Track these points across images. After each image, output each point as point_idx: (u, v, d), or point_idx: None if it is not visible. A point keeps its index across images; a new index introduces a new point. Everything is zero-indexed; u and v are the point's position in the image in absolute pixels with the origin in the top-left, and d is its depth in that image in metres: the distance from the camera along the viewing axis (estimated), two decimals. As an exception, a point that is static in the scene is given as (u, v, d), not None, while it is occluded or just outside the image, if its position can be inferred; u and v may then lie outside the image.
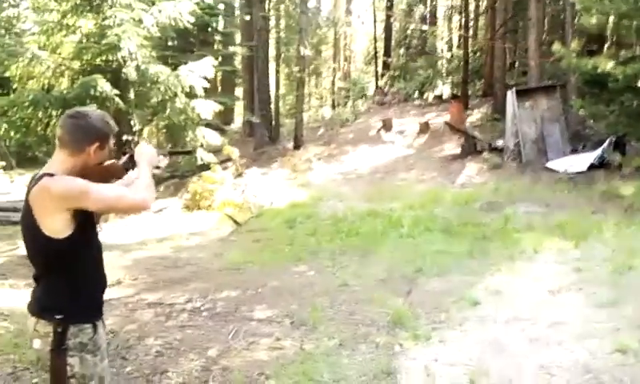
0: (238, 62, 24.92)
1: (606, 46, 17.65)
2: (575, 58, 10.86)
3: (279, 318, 5.19)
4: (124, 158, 2.65)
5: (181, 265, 7.75)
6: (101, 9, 11.62)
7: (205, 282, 6.67)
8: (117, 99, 10.96)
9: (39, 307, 2.31)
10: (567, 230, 7.49)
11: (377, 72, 28.71)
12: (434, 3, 30.19)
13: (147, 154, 2.56)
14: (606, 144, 11.85)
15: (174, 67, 12.92)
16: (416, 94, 24.78)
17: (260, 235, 9.46)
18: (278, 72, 25.50)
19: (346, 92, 29.01)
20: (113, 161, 2.59)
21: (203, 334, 4.93)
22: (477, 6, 26.33)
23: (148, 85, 12.29)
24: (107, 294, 6.18)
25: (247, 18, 21.35)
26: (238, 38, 23.97)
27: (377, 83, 28.01)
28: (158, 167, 2.88)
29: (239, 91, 27.54)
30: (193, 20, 12.86)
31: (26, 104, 10.92)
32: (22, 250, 2.73)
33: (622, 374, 3.64)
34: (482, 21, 26.00)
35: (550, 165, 12.59)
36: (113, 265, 7.76)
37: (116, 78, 11.63)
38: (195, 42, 18.50)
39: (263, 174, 16.01)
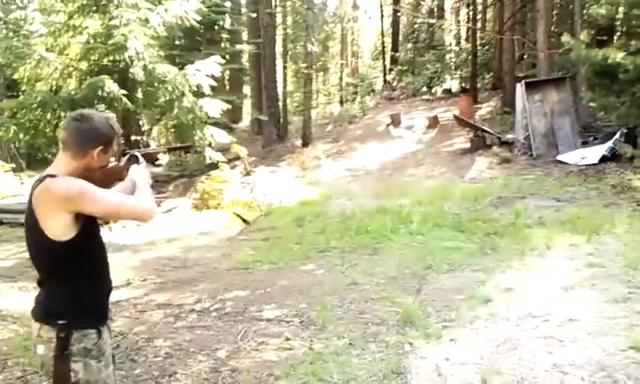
0: (245, 60, 24.93)
1: (615, 36, 17.49)
2: (585, 49, 10.71)
3: (288, 318, 5.16)
4: (124, 159, 2.62)
5: (190, 265, 7.75)
6: (107, 9, 11.67)
7: (214, 282, 6.66)
8: (124, 99, 10.98)
9: (42, 312, 2.29)
10: (579, 225, 7.38)
11: (385, 67, 28.60)
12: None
13: (142, 175, 2.54)
14: (617, 136, 11.72)
15: (181, 66, 12.94)
16: (424, 89, 24.67)
17: (269, 234, 9.43)
18: (285, 69, 25.48)
19: (353, 88, 28.94)
20: (115, 163, 2.56)
21: (212, 335, 4.91)
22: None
23: (155, 84, 12.32)
24: (116, 295, 6.25)
25: (254, 15, 21.33)
26: (245, 35, 23.97)
27: (385, 78, 27.89)
28: (159, 165, 2.86)
29: (247, 89, 27.53)
30: (199, 18, 12.87)
31: (35, 106, 10.99)
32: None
33: (636, 372, 3.57)
34: (489, 13, 25.82)
35: (560, 158, 12.47)
36: (122, 265, 7.80)
37: (123, 78, 11.68)
38: (202, 40, 18.51)
39: (272, 172, 16.00)
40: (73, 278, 2.26)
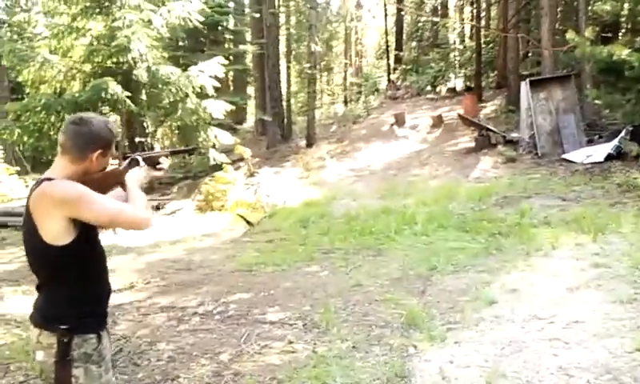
0: (249, 61, 24.91)
1: (621, 32, 17.39)
2: (589, 46, 10.62)
3: (292, 321, 5.13)
4: (125, 163, 2.60)
5: (193, 267, 7.74)
6: (110, 11, 11.66)
7: (217, 284, 6.64)
8: (128, 101, 10.98)
9: (42, 318, 2.27)
10: (584, 224, 7.32)
11: (389, 66, 28.53)
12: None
13: (136, 177, 2.50)
14: (622, 134, 11.64)
15: (185, 67, 12.95)
16: (428, 88, 24.60)
17: (273, 235, 9.41)
18: (289, 69, 25.45)
19: (357, 87, 28.87)
20: (114, 167, 2.54)
21: (215, 338, 4.89)
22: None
23: (159, 86, 12.34)
24: (120, 298, 6.24)
25: (257, 15, 21.32)
26: (248, 36, 23.95)
27: (389, 77, 27.83)
28: (161, 168, 2.84)
29: (251, 90, 27.52)
30: (202, 19, 12.86)
31: (39, 108, 11.02)
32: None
33: (643, 375, 3.53)
34: (494, 11, 25.72)
35: (565, 156, 12.39)
36: (126, 268, 7.80)
37: (127, 79, 11.69)
38: (206, 41, 18.50)
39: (276, 172, 15.98)
40: (71, 282, 2.24)
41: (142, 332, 5.17)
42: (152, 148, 14.60)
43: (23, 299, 6.20)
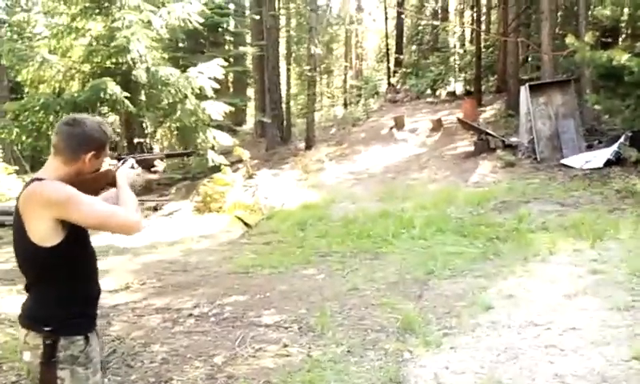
0: (249, 62, 24.89)
1: (621, 37, 17.38)
2: (589, 51, 10.60)
3: (287, 324, 5.11)
4: (119, 164, 2.57)
5: (190, 269, 7.71)
6: (110, 11, 11.64)
7: (213, 286, 6.62)
8: (127, 102, 10.96)
9: (29, 318, 2.24)
10: (582, 230, 7.30)
11: (389, 69, 28.53)
12: (446, -2, 29.94)
13: (127, 175, 2.46)
14: (621, 139, 11.61)
15: (185, 69, 12.93)
16: (428, 91, 24.58)
17: (270, 237, 9.39)
18: (289, 71, 25.42)
19: (357, 90, 28.86)
20: (108, 168, 2.51)
21: (210, 341, 4.87)
22: (489, 0, 26.05)
23: (158, 87, 12.30)
24: (115, 299, 6.21)
25: (257, 17, 21.32)
26: (249, 38, 23.94)
27: (389, 81, 27.82)
28: (155, 171, 2.80)
29: (251, 92, 27.51)
30: (202, 21, 12.84)
31: (37, 108, 10.99)
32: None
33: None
34: (494, 15, 25.72)
35: (565, 161, 12.36)
36: (122, 269, 7.78)
37: (126, 80, 11.68)
38: (206, 42, 18.49)
39: (274, 175, 15.94)
40: (59, 283, 2.22)
41: (136, 333, 5.15)
42: (151, 149, 14.57)
43: (18, 298, 6.14)
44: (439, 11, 29.79)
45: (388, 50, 29.44)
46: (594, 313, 4.68)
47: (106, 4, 11.60)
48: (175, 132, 15.25)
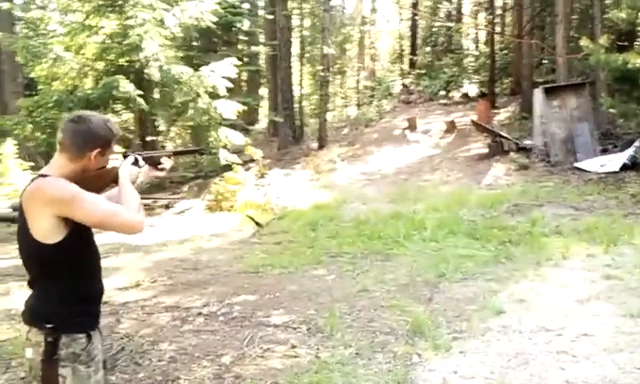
0: (262, 62, 24.91)
1: (636, 41, 17.15)
2: (604, 54, 10.49)
3: (296, 324, 5.08)
4: (125, 161, 2.55)
5: (200, 267, 7.70)
6: (123, 9, 11.68)
7: (223, 285, 6.60)
8: (139, 100, 10.99)
9: (31, 315, 2.24)
10: (596, 235, 7.21)
11: (402, 70, 28.41)
12: (460, 0, 29.76)
13: (130, 171, 2.44)
14: (636, 143, 11.48)
15: (197, 67, 12.95)
16: (442, 93, 24.45)
17: (281, 237, 9.36)
18: (302, 71, 25.41)
19: (371, 91, 28.77)
20: (113, 165, 2.50)
21: (218, 340, 4.85)
22: (504, 2, 25.88)
23: (172, 85, 12.33)
24: (125, 297, 6.22)
25: (270, 17, 21.32)
26: (262, 37, 23.96)
27: (403, 82, 27.71)
28: (162, 169, 2.78)
29: (264, 91, 27.53)
30: (215, 20, 12.85)
31: (51, 105, 11.05)
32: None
33: (653, 391, 3.44)
34: (508, 17, 25.54)
35: (579, 165, 12.25)
36: (134, 266, 7.79)
37: (139, 78, 11.70)
38: (219, 41, 18.52)
39: (286, 174, 15.95)
40: (62, 280, 2.21)
41: (145, 331, 5.15)
42: (163, 147, 14.62)
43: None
44: (453, 13, 29.63)
45: (402, 51, 29.34)
46: (607, 319, 4.61)
47: (120, 2, 11.64)
48: (188, 130, 15.30)
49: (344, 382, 3.86)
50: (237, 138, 14.03)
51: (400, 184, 13.80)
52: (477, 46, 28.55)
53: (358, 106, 28.80)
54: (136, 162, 2.53)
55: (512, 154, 14.12)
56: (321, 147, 19.51)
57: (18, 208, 2.21)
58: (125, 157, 2.58)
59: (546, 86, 14.09)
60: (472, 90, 24.18)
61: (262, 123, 26.64)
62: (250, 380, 3.99)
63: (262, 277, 6.90)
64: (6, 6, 14.68)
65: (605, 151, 12.76)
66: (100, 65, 12.19)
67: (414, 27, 29.53)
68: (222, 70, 12.48)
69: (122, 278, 6.94)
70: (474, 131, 17.15)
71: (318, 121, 21.41)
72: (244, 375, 4.10)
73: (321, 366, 4.12)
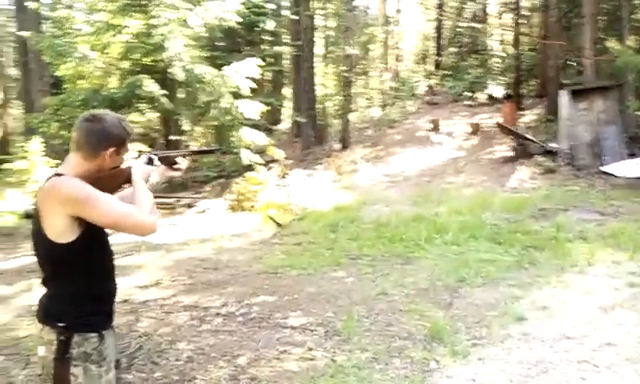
0: (287, 62, 24.95)
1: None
2: (632, 56, 10.29)
3: (313, 327, 5.05)
4: (138, 160, 2.55)
5: (220, 267, 7.71)
6: (147, 9, 11.78)
7: (242, 285, 6.61)
8: (163, 99, 11.07)
9: (44, 313, 2.26)
10: (622, 241, 7.06)
11: (427, 71, 28.22)
12: (486, 1, 29.44)
13: (144, 171, 2.44)
14: (666, 148, 11.25)
15: (221, 67, 13.01)
16: (466, 94, 24.22)
17: (301, 238, 9.33)
18: (325, 72, 25.38)
19: (395, 92, 28.61)
20: (128, 165, 2.50)
21: (235, 341, 4.85)
22: (531, 3, 25.50)
23: (196, 85, 12.40)
24: (145, 295, 6.25)
25: (295, 17, 21.33)
26: (287, 37, 23.98)
27: (427, 83, 27.52)
28: (177, 168, 2.78)
29: (288, 91, 27.56)
30: (239, 19, 12.90)
31: (76, 103, 11.19)
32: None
33: (678, 404, 3.34)
34: (535, 18, 25.18)
35: (605, 169, 12.02)
36: (154, 265, 7.84)
37: (163, 78, 11.79)
38: (242, 41, 18.58)
39: (308, 175, 15.92)
40: (75, 280, 2.22)
41: (163, 330, 5.17)
42: (187, 147, 14.71)
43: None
44: (480, 13, 29.33)
45: (427, 51, 29.14)
46: (631, 328, 4.50)
47: (144, 1, 11.75)
48: (212, 130, 15.39)
49: (360, 386, 3.82)
50: (259, 138, 14.07)
51: (423, 186, 13.69)
52: (502, 47, 28.21)
53: (382, 106, 28.68)
54: (150, 162, 2.53)
55: (537, 157, 13.92)
56: (344, 148, 19.46)
57: (34, 207, 2.22)
58: (140, 156, 2.59)
59: (573, 88, 13.86)
60: (497, 91, 23.90)
61: (286, 123, 26.68)
62: (265, 382, 3.98)
63: (281, 278, 6.89)
64: (33, 5, 14.93)
65: (632, 155, 12.51)
66: (125, 64, 12.33)
67: (439, 28, 29.33)
68: (245, 70, 12.52)
69: (142, 277, 6.99)
70: (498, 133, 16.95)
71: (341, 121, 21.35)
72: (259, 377, 4.09)
73: (337, 370, 4.09)
